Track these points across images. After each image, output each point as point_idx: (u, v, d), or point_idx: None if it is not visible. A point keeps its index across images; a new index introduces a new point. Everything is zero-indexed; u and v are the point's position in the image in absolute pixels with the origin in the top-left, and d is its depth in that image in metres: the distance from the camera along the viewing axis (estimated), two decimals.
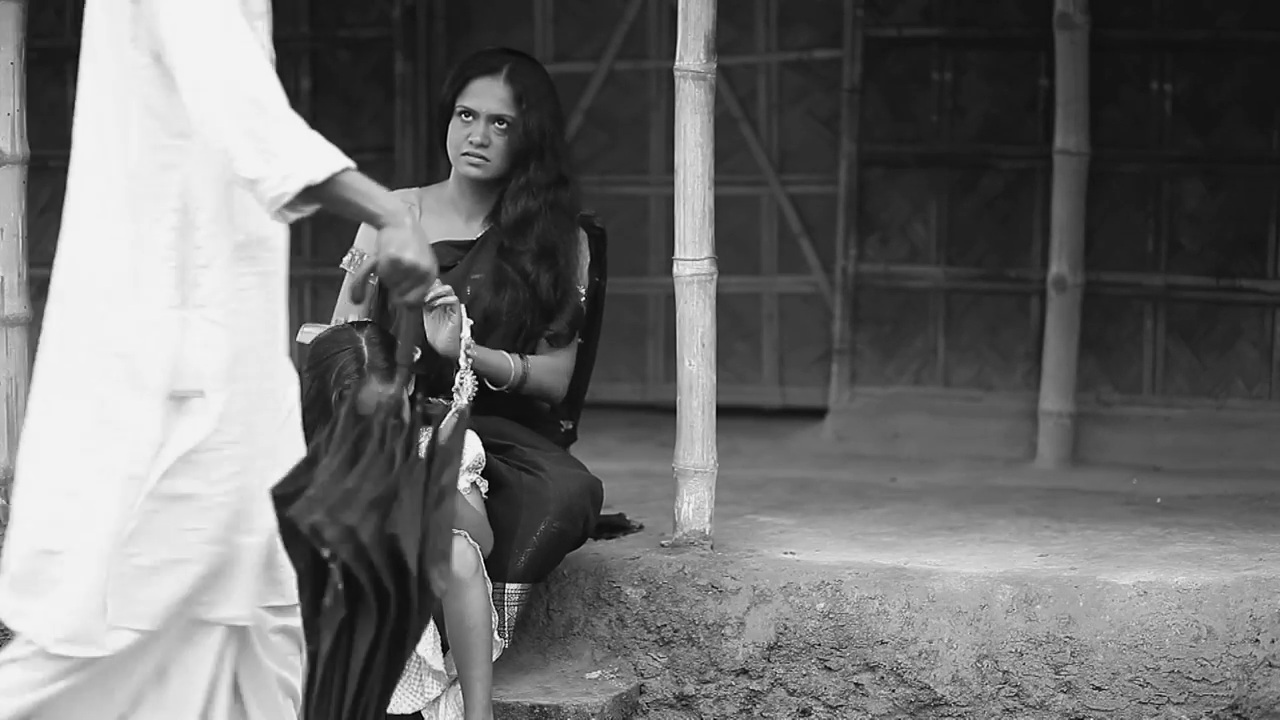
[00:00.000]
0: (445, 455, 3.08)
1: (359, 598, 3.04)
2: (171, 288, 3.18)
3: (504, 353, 4.43)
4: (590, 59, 7.52)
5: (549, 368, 4.52)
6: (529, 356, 4.48)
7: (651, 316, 7.56)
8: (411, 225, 3.08)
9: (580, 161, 6.89)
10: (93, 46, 3.23)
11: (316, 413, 4.18)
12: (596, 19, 7.51)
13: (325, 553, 3.01)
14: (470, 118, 4.51)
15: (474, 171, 4.52)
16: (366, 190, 3.06)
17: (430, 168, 7.34)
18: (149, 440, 3.18)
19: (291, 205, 3.04)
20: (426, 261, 3.07)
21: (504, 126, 4.50)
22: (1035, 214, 6.78)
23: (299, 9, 7.42)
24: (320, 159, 3.04)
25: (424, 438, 3.08)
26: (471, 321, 4.29)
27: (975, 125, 6.86)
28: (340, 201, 3.07)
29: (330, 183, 3.03)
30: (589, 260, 4.62)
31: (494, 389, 4.40)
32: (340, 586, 3.03)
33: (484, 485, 4.33)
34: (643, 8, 7.47)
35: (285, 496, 3.04)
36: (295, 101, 8.30)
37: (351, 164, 3.08)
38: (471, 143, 4.50)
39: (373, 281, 3.38)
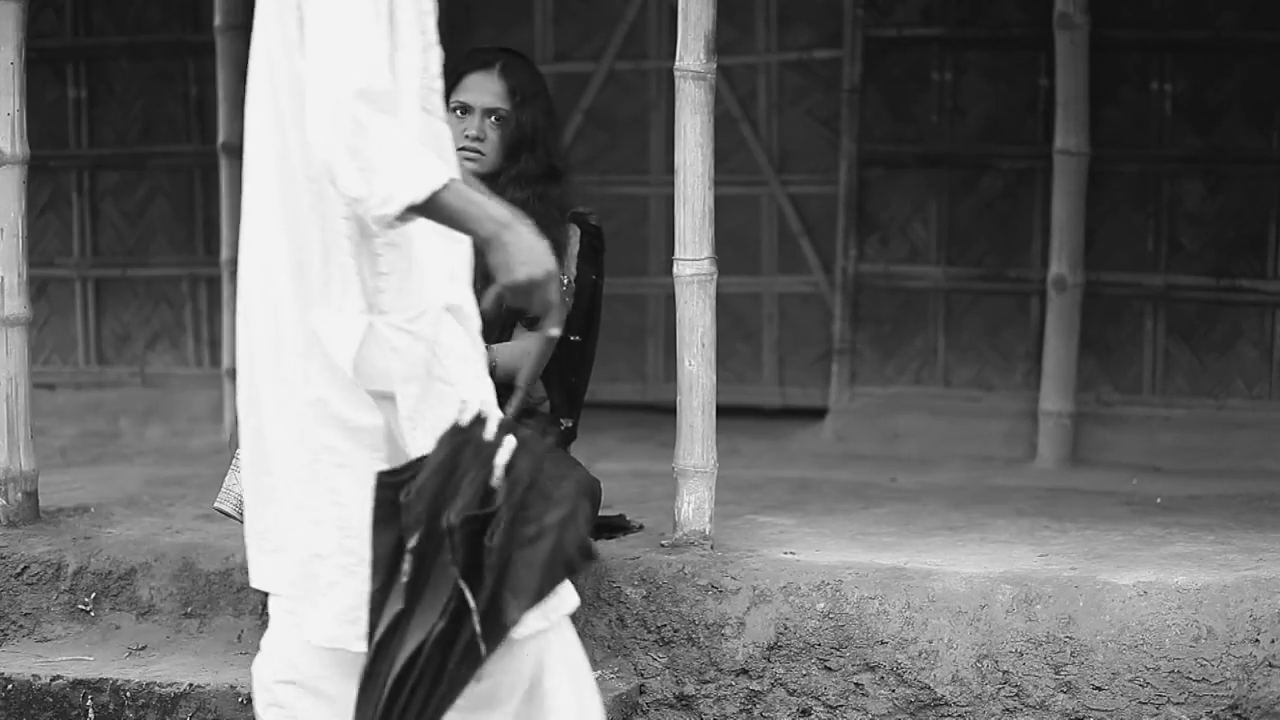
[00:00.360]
0: (547, 499, 3.07)
1: (419, 597, 3.04)
2: (357, 294, 3.25)
3: None
4: (590, 59, 7.52)
5: (521, 350, 4.51)
6: (494, 346, 4.47)
7: (651, 316, 7.57)
8: (513, 238, 3.10)
9: (580, 161, 6.90)
10: (268, 53, 3.28)
11: None
12: (596, 19, 7.51)
13: (411, 542, 3.02)
14: (464, 113, 4.52)
15: (470, 166, 4.53)
16: (464, 208, 3.10)
17: None
18: (376, 429, 3.26)
19: (397, 219, 3.10)
20: (539, 267, 3.11)
21: (498, 120, 4.51)
22: (1035, 214, 6.78)
23: None
24: (420, 178, 3.07)
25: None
26: None
27: (975, 125, 6.86)
28: (442, 217, 3.12)
29: (431, 199, 3.07)
30: (576, 251, 4.62)
31: None
32: (405, 580, 3.03)
33: None
34: (643, 8, 7.47)
35: (392, 484, 3.07)
36: None
37: (454, 175, 3.12)
38: (467, 137, 4.51)
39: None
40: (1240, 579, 4.32)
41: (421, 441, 3.22)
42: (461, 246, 3.34)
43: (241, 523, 4.40)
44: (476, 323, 3.36)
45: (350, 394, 3.26)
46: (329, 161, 3.08)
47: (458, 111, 4.53)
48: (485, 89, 4.51)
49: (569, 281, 4.59)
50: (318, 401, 3.26)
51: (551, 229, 4.52)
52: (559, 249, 4.54)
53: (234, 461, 4.42)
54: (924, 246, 6.92)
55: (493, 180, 4.56)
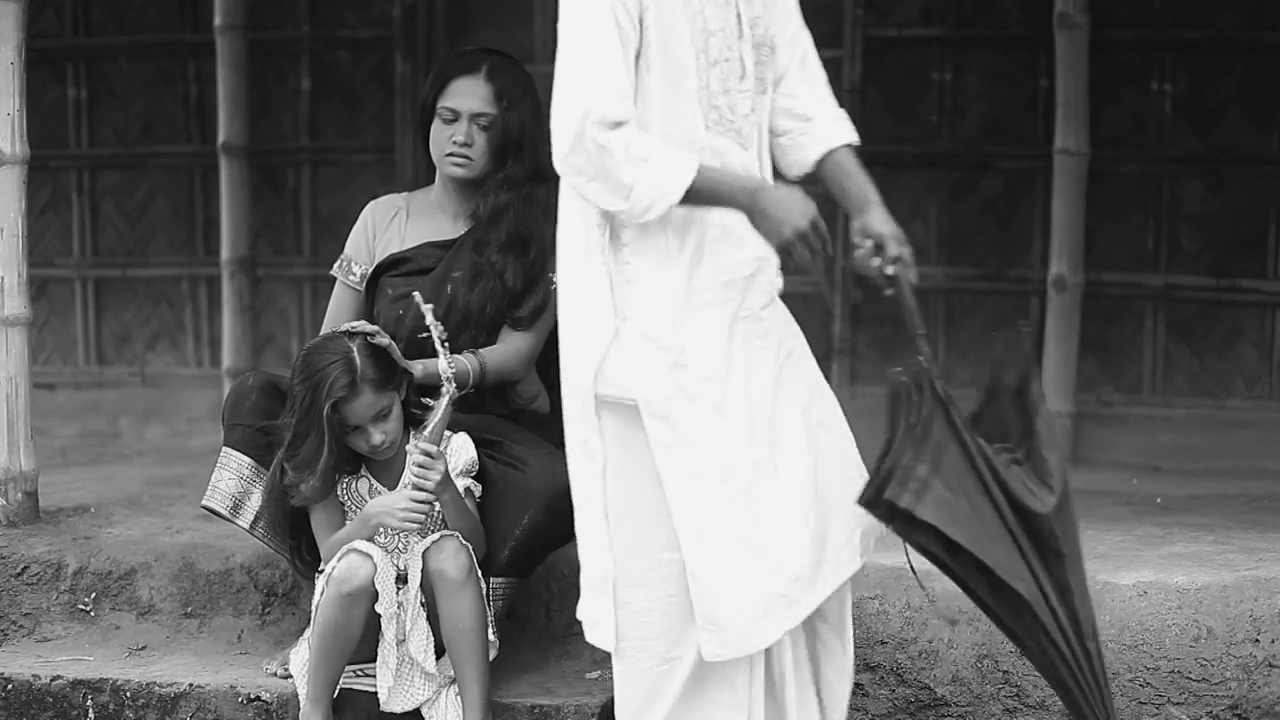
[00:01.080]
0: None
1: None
2: (606, 296, 3.39)
3: (457, 356, 4.42)
4: None
5: (508, 352, 4.51)
6: (481, 350, 4.46)
7: None
8: (766, 201, 3.29)
9: None
10: None
11: (308, 424, 4.17)
12: None
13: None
14: (453, 117, 4.51)
15: (459, 171, 4.53)
16: (716, 188, 3.29)
17: (430, 168, 7.31)
18: (589, 441, 3.41)
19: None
20: (799, 219, 3.28)
21: (485, 125, 4.50)
22: (1035, 214, 6.78)
23: (299, 9, 7.42)
24: (670, 180, 3.25)
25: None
26: (441, 328, 4.26)
27: (975, 125, 6.86)
28: (699, 202, 3.31)
29: (686, 193, 3.27)
30: None
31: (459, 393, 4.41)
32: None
33: (477, 490, 4.33)
34: None
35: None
36: (295, 101, 8.26)
37: (698, 162, 3.28)
38: (455, 142, 4.51)
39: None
40: (1240, 579, 4.32)
41: (671, 465, 3.34)
42: (754, 237, 3.43)
43: (230, 520, 4.40)
44: (762, 317, 3.49)
45: (576, 404, 3.42)
46: (580, 186, 3.28)
47: (445, 117, 4.52)
48: (472, 93, 4.50)
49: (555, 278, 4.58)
50: (570, 396, 3.43)
51: (537, 229, 4.52)
52: (544, 251, 4.53)
53: (220, 459, 4.42)
54: (924, 247, 6.92)
55: (481, 184, 4.55)
